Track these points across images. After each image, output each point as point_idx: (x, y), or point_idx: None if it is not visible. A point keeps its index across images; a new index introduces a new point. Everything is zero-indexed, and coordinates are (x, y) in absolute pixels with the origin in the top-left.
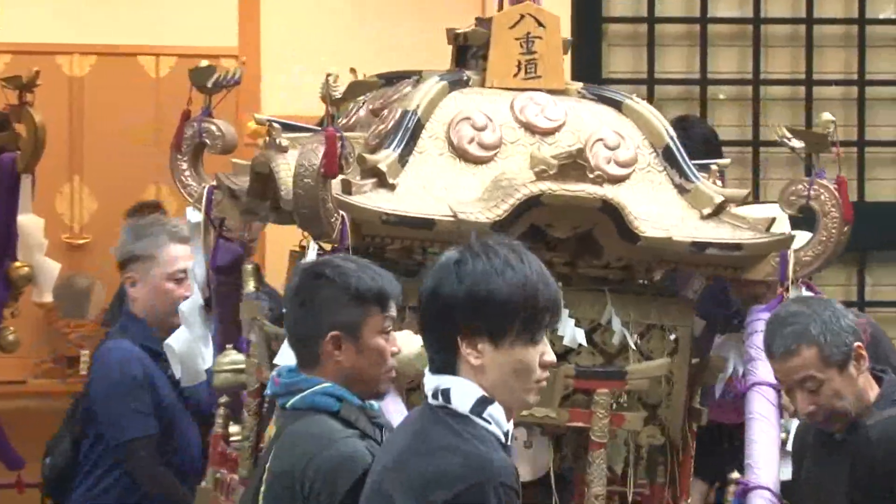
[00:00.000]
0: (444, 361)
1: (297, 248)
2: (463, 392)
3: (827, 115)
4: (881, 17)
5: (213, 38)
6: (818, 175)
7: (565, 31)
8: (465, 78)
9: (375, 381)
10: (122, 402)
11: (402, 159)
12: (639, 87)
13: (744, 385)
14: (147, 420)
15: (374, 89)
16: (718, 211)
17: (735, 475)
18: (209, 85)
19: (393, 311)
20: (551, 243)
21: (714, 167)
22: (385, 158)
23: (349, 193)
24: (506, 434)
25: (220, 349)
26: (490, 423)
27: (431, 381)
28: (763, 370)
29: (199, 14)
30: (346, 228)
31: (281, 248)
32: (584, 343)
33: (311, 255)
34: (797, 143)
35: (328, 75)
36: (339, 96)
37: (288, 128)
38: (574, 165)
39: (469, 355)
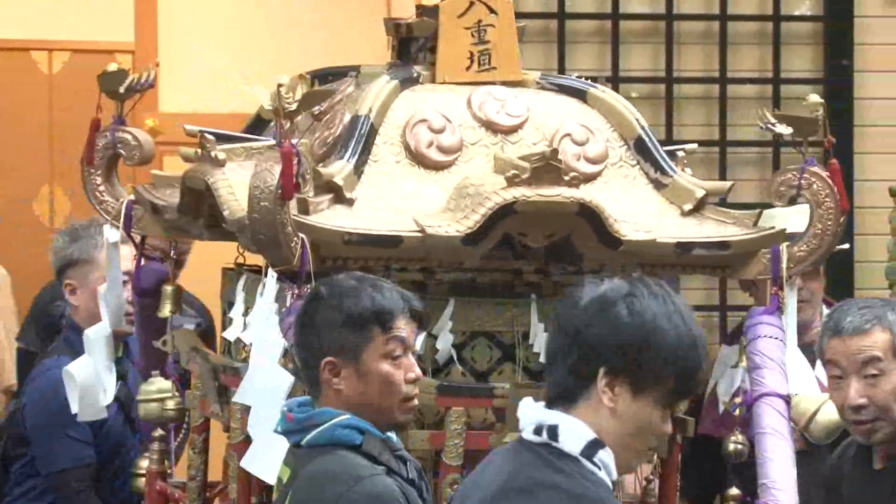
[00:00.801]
0: (567, 391)
1: (232, 266)
2: (573, 432)
3: (815, 97)
4: (796, 13)
5: (109, 33)
6: (808, 163)
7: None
8: (415, 75)
9: (388, 412)
10: (57, 430)
11: (358, 170)
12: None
13: (749, 396)
14: (82, 449)
15: (328, 98)
16: (700, 206)
17: (735, 491)
18: (121, 90)
19: (401, 332)
20: (519, 250)
21: (681, 153)
22: (340, 171)
23: (307, 213)
24: (613, 483)
25: (144, 376)
26: (600, 468)
27: (534, 415)
28: (771, 379)
29: (94, 6)
30: (306, 252)
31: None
32: None
33: (271, 283)
34: (784, 129)
35: (279, 85)
36: (293, 108)
37: (222, 138)
38: (547, 168)
39: (604, 394)
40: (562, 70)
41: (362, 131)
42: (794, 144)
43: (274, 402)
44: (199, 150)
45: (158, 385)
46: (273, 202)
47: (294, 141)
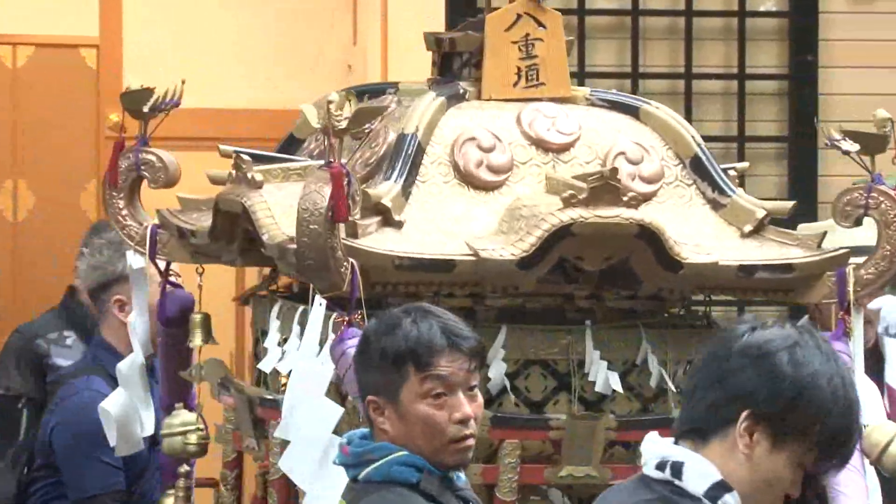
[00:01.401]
0: (701, 428)
1: (265, 292)
2: (699, 471)
3: (883, 112)
4: (761, 9)
5: (73, 27)
6: (876, 181)
7: (438, 24)
8: (462, 91)
9: (435, 454)
10: (88, 454)
11: (406, 191)
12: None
13: None
14: (113, 474)
15: (378, 115)
16: (760, 227)
17: None
18: (145, 109)
19: (441, 370)
20: (571, 274)
21: (733, 172)
22: (388, 192)
23: (355, 237)
24: None
25: (167, 409)
26: None
27: (657, 450)
28: None
29: (59, 0)
30: (356, 278)
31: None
32: (620, 388)
33: (318, 311)
34: (851, 146)
35: (329, 102)
36: (343, 126)
37: (257, 158)
38: (606, 188)
39: (742, 437)
40: None
41: (409, 151)
42: (860, 161)
43: (320, 436)
44: (234, 172)
45: (183, 418)
46: (323, 225)
47: (343, 161)
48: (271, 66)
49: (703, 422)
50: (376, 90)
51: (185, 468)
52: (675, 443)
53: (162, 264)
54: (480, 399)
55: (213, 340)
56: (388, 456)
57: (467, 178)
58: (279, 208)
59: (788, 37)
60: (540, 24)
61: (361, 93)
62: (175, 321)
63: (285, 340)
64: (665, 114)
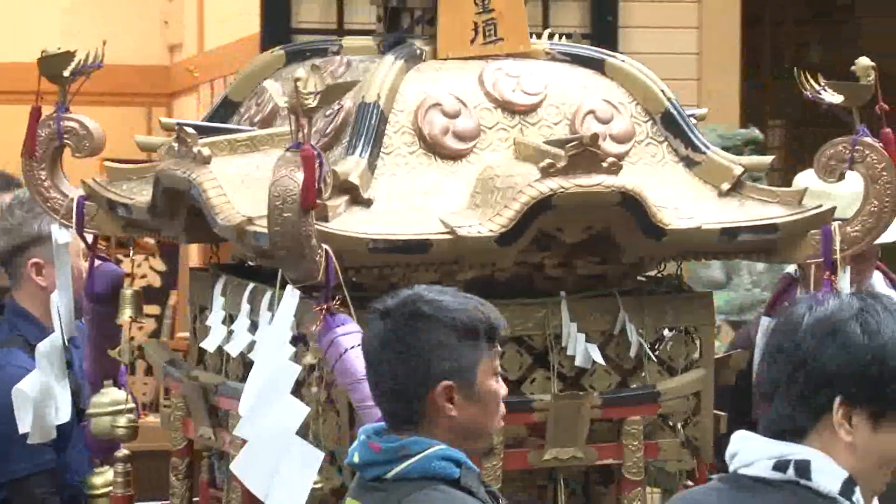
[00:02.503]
0: (794, 425)
1: (202, 266)
2: (828, 468)
3: (865, 60)
4: None
5: None
6: (860, 133)
7: None
8: (419, 52)
9: (488, 435)
10: (13, 433)
11: (371, 165)
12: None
13: None
14: (44, 452)
15: (350, 91)
16: (738, 184)
17: None
18: (66, 74)
19: (500, 349)
20: (542, 243)
21: (693, 120)
22: (355, 168)
23: (326, 220)
24: None
25: (94, 388)
26: None
27: (770, 448)
28: None
29: None
30: (332, 264)
31: None
32: (601, 361)
33: (290, 302)
34: (834, 97)
35: (297, 79)
36: (314, 104)
37: (202, 130)
38: (585, 154)
39: (841, 426)
40: (340, 24)
41: (372, 121)
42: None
43: (281, 436)
44: (176, 145)
45: (112, 397)
46: (297, 213)
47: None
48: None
49: (795, 418)
50: (317, 49)
51: (122, 452)
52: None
53: (89, 238)
54: None
55: (142, 317)
56: (427, 450)
57: (433, 148)
58: (230, 185)
59: None
60: None
61: (301, 52)
62: (104, 297)
63: (230, 318)
64: (632, 67)
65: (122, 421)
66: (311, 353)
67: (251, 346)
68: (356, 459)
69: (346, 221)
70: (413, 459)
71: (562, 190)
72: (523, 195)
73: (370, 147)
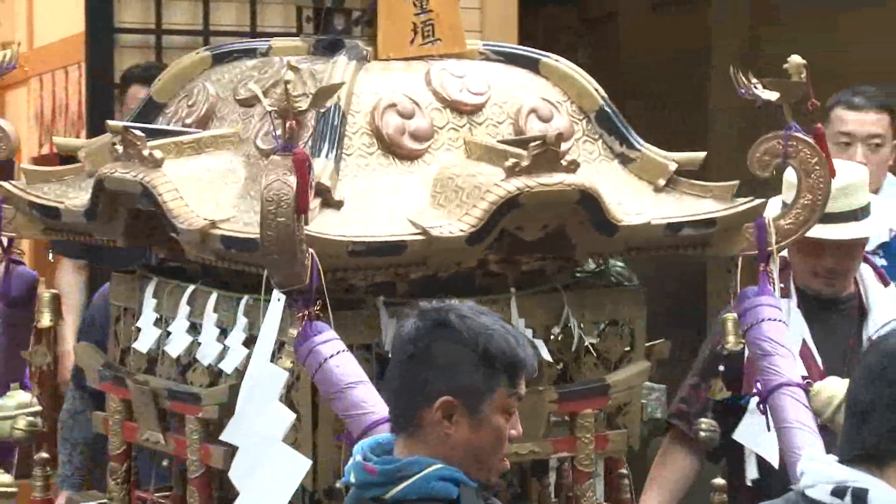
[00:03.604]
0: (879, 451)
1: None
2: (886, 499)
3: (797, 58)
4: None
5: None
6: (792, 129)
7: None
8: (364, 53)
9: (486, 469)
10: None
11: (336, 167)
12: (148, 38)
13: (763, 388)
14: None
15: (337, 91)
16: (671, 180)
17: (720, 481)
18: None
19: (522, 389)
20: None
21: None
22: (324, 170)
23: (307, 224)
24: None
25: (2, 390)
26: None
27: (831, 472)
28: (786, 367)
29: None
30: (316, 268)
31: None
32: (548, 357)
33: (276, 308)
34: (769, 94)
35: (287, 82)
36: (304, 107)
37: (150, 133)
38: (546, 154)
39: None
40: (158, 24)
41: (334, 122)
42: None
43: (269, 442)
44: (122, 148)
45: (18, 399)
46: (291, 217)
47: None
48: None
49: (881, 447)
50: (246, 50)
51: (42, 455)
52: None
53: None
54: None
55: (61, 320)
56: (424, 471)
57: (391, 148)
58: (183, 188)
59: None
60: None
61: (228, 53)
62: (20, 300)
63: (163, 320)
64: (566, 66)
65: (22, 423)
66: (285, 357)
67: (191, 348)
68: (353, 479)
69: (322, 224)
70: (410, 480)
71: (527, 189)
72: (491, 194)
73: (335, 149)
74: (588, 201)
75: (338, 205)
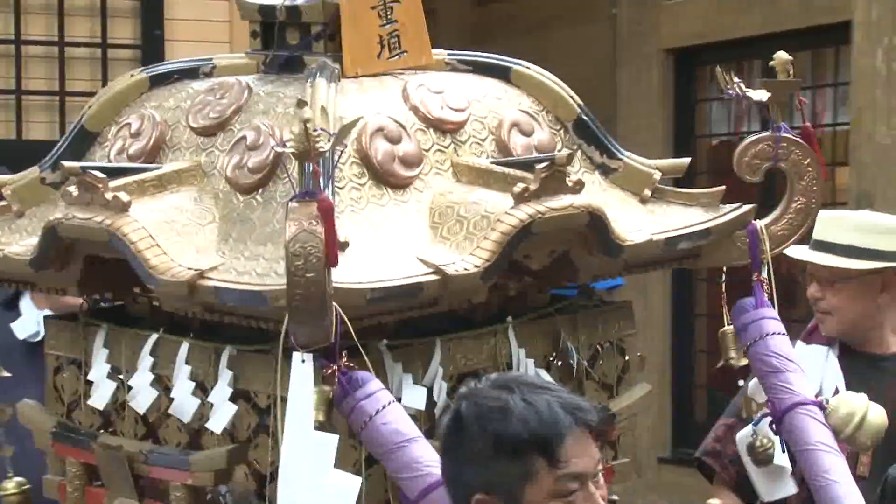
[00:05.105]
0: None
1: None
2: None
3: (783, 54)
4: None
5: None
6: (782, 129)
7: None
8: (335, 70)
9: None
10: None
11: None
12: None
13: (777, 407)
14: None
15: (354, 128)
16: (656, 189)
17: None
18: None
19: (575, 466)
20: None
21: None
22: None
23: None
24: None
25: None
26: None
27: None
28: (799, 383)
29: None
30: (339, 322)
31: None
32: None
33: (306, 369)
34: (760, 94)
35: (306, 121)
36: (326, 147)
37: (110, 173)
38: (554, 175)
39: None
40: None
41: (325, 154)
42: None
43: None
44: (80, 191)
45: None
46: (321, 272)
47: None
48: None
49: None
50: (186, 70)
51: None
52: None
53: None
54: (603, 482)
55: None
56: None
57: (382, 177)
58: (157, 232)
59: (141, 14)
60: None
61: (166, 74)
62: None
63: (116, 370)
64: (539, 74)
65: (11, 486)
66: (317, 412)
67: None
68: None
69: (335, 271)
70: None
71: (539, 215)
72: (502, 224)
73: (329, 183)
74: (596, 223)
75: (343, 246)
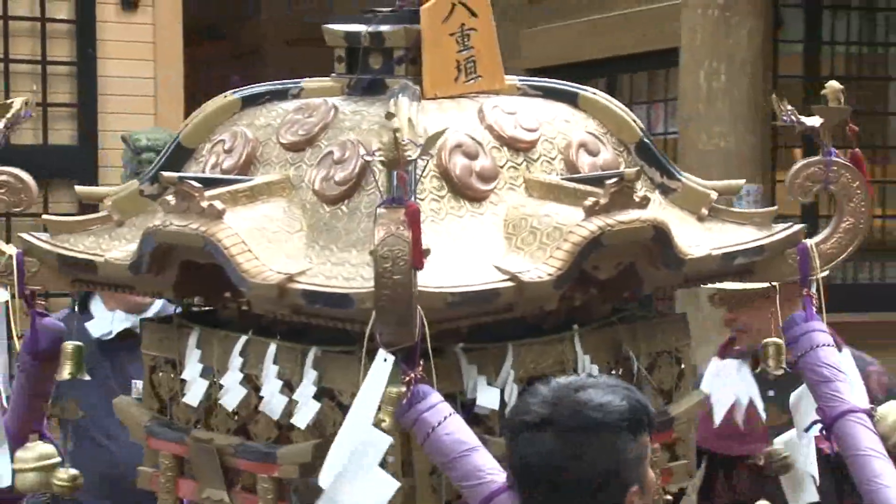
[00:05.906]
0: None
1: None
2: None
3: (836, 84)
4: (59, 17)
5: None
6: (831, 154)
7: None
8: (416, 91)
9: None
10: None
11: None
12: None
13: (828, 415)
14: None
15: (439, 139)
16: (712, 209)
17: None
18: (2, 126)
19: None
20: None
21: None
22: None
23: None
24: None
25: (19, 441)
26: None
27: None
28: (849, 392)
29: None
30: (423, 324)
31: None
32: None
33: (384, 369)
34: (814, 121)
35: (395, 130)
36: (415, 156)
37: (205, 182)
38: (621, 190)
39: None
40: None
41: (414, 167)
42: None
43: None
44: (177, 200)
45: (39, 450)
46: (408, 275)
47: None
48: None
49: None
50: (276, 92)
51: None
52: None
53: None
54: None
55: (83, 373)
56: None
57: (460, 190)
58: (249, 239)
59: (77, 36)
60: (472, 14)
61: (257, 95)
62: (48, 354)
63: (211, 371)
64: (605, 100)
65: (63, 475)
66: (383, 415)
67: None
68: None
69: (418, 275)
70: None
71: (608, 228)
72: (574, 235)
73: (412, 194)
74: (660, 236)
75: (425, 253)
